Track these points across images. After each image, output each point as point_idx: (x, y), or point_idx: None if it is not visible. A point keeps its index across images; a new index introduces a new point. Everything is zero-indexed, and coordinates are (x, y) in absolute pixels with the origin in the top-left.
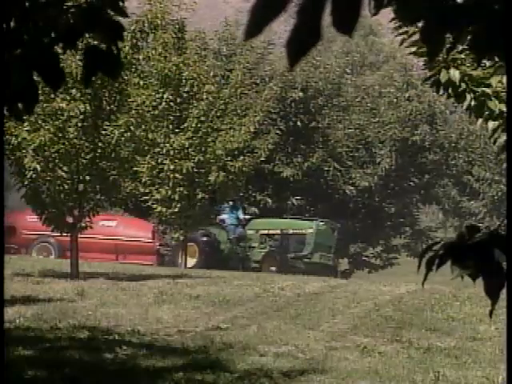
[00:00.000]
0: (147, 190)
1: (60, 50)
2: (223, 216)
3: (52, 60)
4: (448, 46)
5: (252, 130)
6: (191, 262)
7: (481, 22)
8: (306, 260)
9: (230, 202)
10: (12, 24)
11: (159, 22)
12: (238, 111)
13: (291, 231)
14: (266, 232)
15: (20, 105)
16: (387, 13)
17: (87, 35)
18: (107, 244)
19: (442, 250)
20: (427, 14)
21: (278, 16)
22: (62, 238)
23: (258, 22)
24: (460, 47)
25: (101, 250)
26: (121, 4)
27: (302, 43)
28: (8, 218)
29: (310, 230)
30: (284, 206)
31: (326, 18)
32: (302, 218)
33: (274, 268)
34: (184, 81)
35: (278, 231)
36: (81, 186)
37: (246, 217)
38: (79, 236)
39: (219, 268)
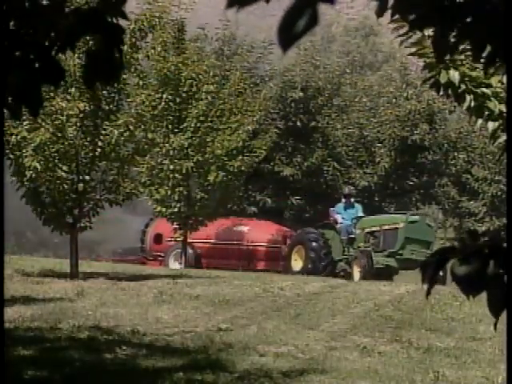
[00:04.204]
0: (147, 190)
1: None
2: (336, 216)
3: (52, 61)
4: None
5: (251, 129)
6: (298, 265)
7: (481, 23)
8: (397, 257)
9: (344, 200)
10: (11, 25)
11: (158, 21)
12: (237, 111)
13: (387, 227)
14: (369, 230)
15: (23, 107)
16: (387, 13)
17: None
18: (239, 250)
19: (437, 264)
20: (432, 14)
21: None
22: (197, 244)
23: None
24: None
25: (233, 257)
26: (121, 7)
27: (296, 27)
28: (157, 226)
29: (402, 224)
30: (284, 206)
31: (326, 14)
32: (398, 212)
33: (359, 269)
34: (183, 81)
35: (378, 228)
36: (80, 186)
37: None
38: (216, 243)
39: (328, 274)
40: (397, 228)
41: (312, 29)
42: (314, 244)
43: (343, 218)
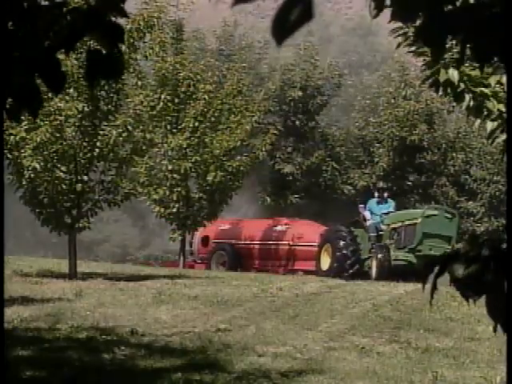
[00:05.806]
0: (145, 191)
1: (61, 53)
2: (365, 213)
3: (53, 63)
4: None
5: (249, 128)
6: (326, 264)
7: (480, 24)
8: (416, 253)
9: (377, 195)
10: (11, 26)
11: (156, 21)
12: (236, 111)
13: (407, 223)
14: (393, 226)
15: (22, 109)
16: (386, 13)
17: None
18: (276, 250)
19: (438, 272)
20: (428, 15)
21: None
22: (238, 245)
23: None
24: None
25: (274, 258)
26: (121, 5)
27: (290, 20)
28: (205, 228)
29: (419, 220)
30: (283, 205)
31: (324, 14)
32: (411, 208)
33: (374, 268)
34: (181, 81)
35: (400, 224)
36: (79, 186)
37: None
38: (257, 243)
39: (355, 273)
40: (415, 223)
41: (307, 22)
42: (341, 242)
43: (375, 215)
